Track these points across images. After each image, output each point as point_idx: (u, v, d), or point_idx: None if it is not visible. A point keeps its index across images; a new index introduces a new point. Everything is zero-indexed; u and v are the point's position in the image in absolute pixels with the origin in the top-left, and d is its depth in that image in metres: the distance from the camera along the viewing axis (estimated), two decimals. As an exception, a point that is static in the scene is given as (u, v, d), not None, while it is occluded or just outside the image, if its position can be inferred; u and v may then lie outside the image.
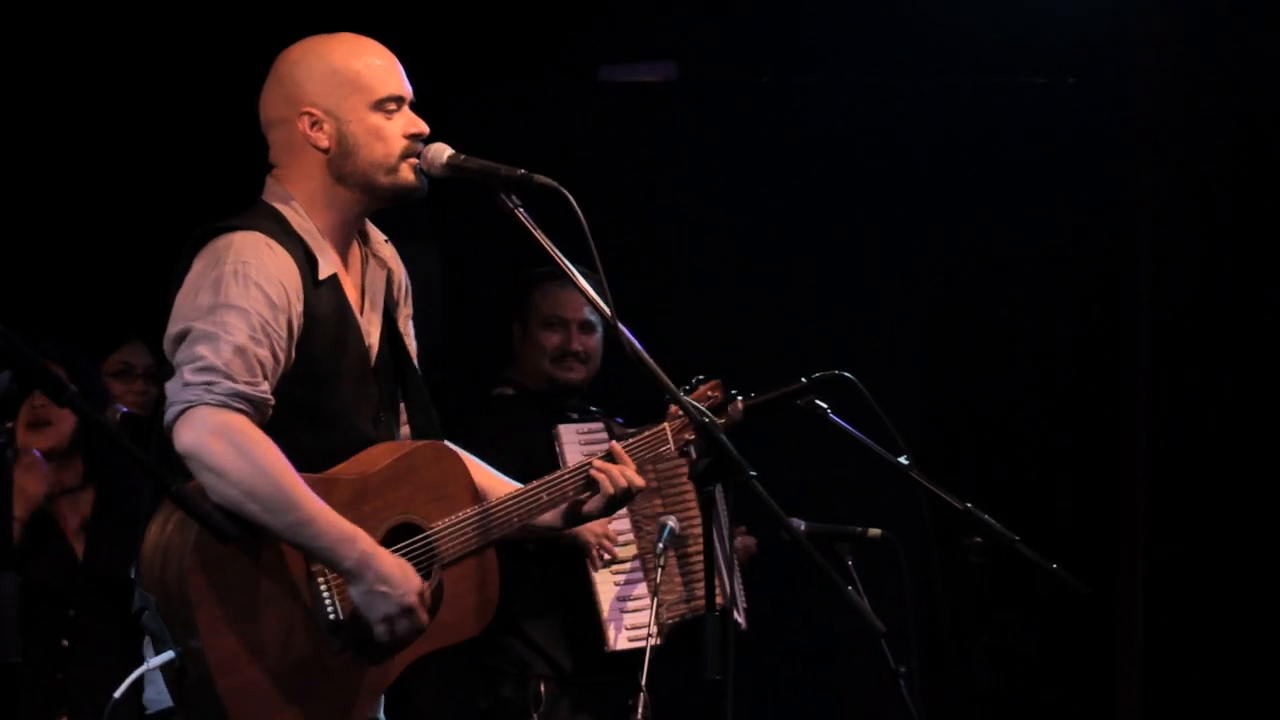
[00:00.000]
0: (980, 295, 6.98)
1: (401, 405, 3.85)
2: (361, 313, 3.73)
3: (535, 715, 5.19)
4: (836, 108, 6.93)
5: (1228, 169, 6.63)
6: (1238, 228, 6.63)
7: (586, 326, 5.42)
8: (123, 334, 5.82)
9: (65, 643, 5.36)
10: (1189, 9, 6.58)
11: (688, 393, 4.27)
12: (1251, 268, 6.60)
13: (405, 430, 3.85)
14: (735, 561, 5.40)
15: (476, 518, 3.73)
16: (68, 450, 5.38)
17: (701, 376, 4.29)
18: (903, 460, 4.54)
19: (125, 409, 5.53)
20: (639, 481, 3.89)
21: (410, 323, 3.93)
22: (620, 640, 5.14)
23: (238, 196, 3.76)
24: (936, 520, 4.58)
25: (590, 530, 5.09)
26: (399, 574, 3.53)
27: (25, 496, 5.30)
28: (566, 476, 3.87)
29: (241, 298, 3.49)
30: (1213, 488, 6.60)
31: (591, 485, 3.88)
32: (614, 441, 3.95)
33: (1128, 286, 6.84)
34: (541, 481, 3.85)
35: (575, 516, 3.93)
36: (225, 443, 3.41)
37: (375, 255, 3.81)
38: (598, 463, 3.88)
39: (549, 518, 3.91)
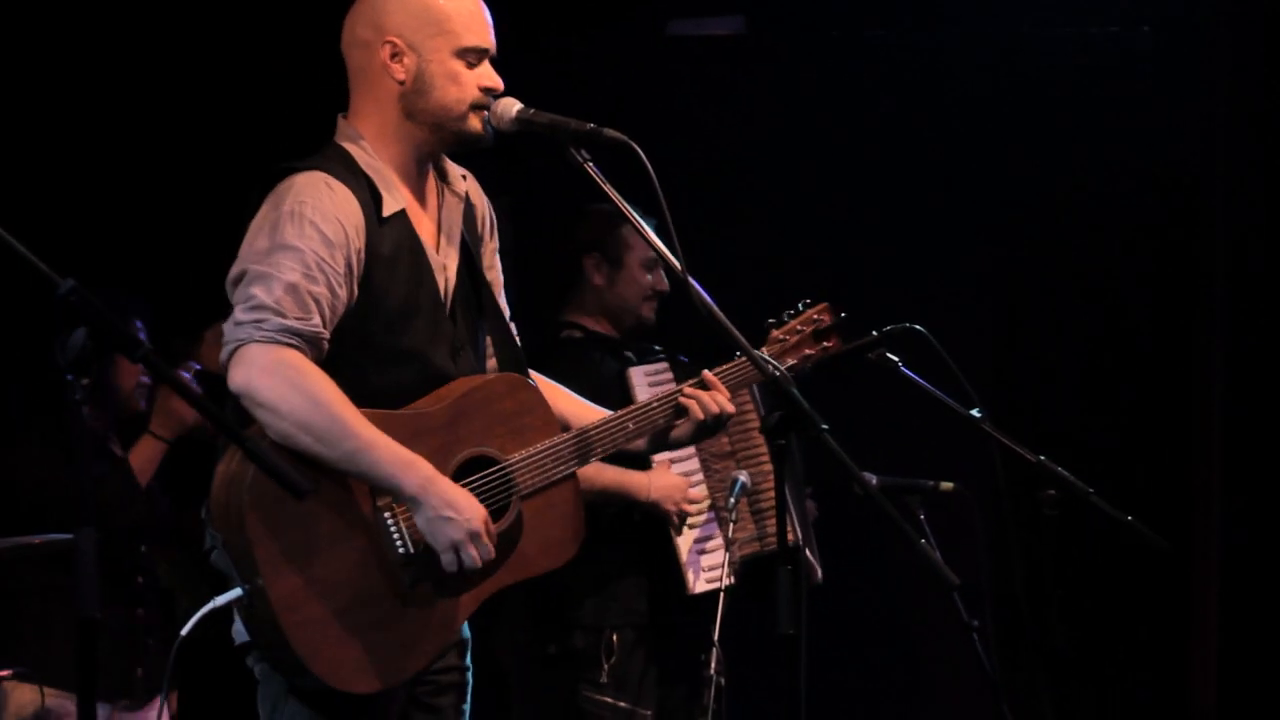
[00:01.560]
0: (1052, 249, 6.94)
1: (488, 340, 3.85)
2: (437, 249, 3.74)
3: (607, 665, 5.21)
4: (905, 62, 6.90)
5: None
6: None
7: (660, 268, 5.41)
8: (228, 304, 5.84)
9: (140, 580, 5.44)
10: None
11: (793, 315, 4.11)
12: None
13: (492, 364, 3.85)
14: (809, 520, 5.40)
15: (555, 448, 3.71)
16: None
17: (808, 300, 4.14)
18: (975, 413, 4.51)
19: (199, 365, 5.57)
20: (730, 408, 3.83)
21: (497, 256, 3.93)
22: (700, 583, 5.16)
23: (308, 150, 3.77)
24: (1009, 473, 4.55)
25: (670, 499, 5.10)
26: (463, 500, 3.53)
27: (178, 421, 5.39)
28: (655, 405, 3.82)
29: (296, 237, 3.51)
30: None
31: (681, 412, 3.82)
32: (706, 371, 3.86)
33: (1203, 239, 6.79)
34: (627, 411, 3.81)
35: (664, 442, 3.89)
36: (275, 377, 3.43)
37: (452, 190, 3.82)
38: (689, 389, 3.82)
39: (633, 445, 3.86)
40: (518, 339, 3.94)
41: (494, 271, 3.91)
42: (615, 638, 5.23)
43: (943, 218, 6.89)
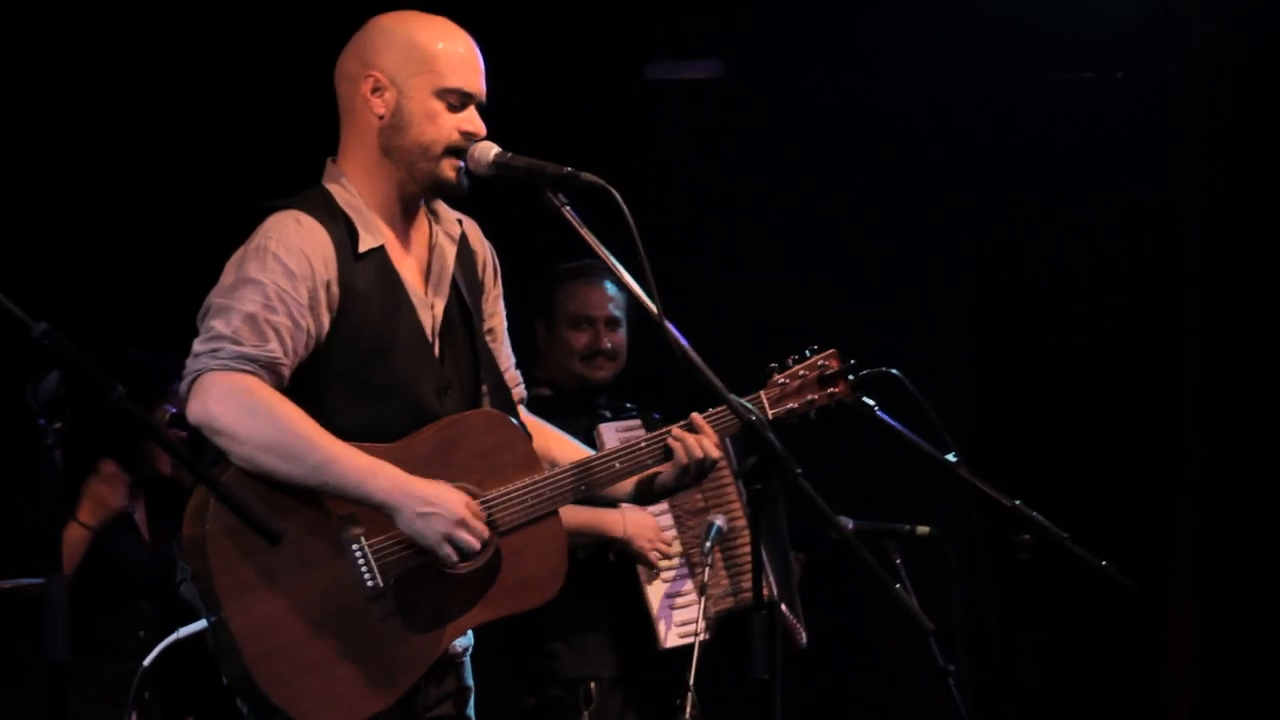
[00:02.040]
0: (1028, 291, 6.96)
1: (482, 384, 3.83)
2: (425, 289, 3.73)
3: (586, 713, 5.19)
4: (882, 105, 6.92)
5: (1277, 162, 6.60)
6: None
7: (612, 323, 5.40)
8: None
9: (141, 634, 5.43)
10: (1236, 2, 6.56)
11: (798, 361, 4.08)
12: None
13: (488, 405, 3.82)
14: (793, 578, 5.36)
15: (534, 485, 3.68)
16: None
17: (815, 346, 4.10)
18: (951, 457, 4.51)
19: (174, 409, 5.56)
20: (715, 454, 3.76)
21: (500, 302, 3.92)
22: (671, 637, 5.14)
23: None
24: (984, 518, 4.55)
25: (643, 536, 5.08)
26: (437, 491, 3.52)
27: (104, 507, 5.35)
28: (644, 446, 3.78)
29: (258, 270, 3.53)
30: (1264, 485, 6.56)
31: (668, 455, 3.77)
32: (695, 414, 3.80)
33: (1177, 280, 6.81)
34: (614, 450, 3.78)
35: (648, 490, 3.85)
36: (231, 403, 3.43)
37: (446, 233, 3.80)
38: (676, 430, 3.78)
39: (619, 490, 3.83)
40: (520, 385, 3.94)
41: (496, 318, 3.91)
42: (593, 687, 5.22)
43: (919, 260, 6.91)
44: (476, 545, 3.52)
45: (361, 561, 3.51)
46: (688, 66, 7.13)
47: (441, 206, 3.82)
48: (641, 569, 5.15)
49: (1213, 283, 6.68)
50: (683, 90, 7.11)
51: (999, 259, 6.97)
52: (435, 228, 3.80)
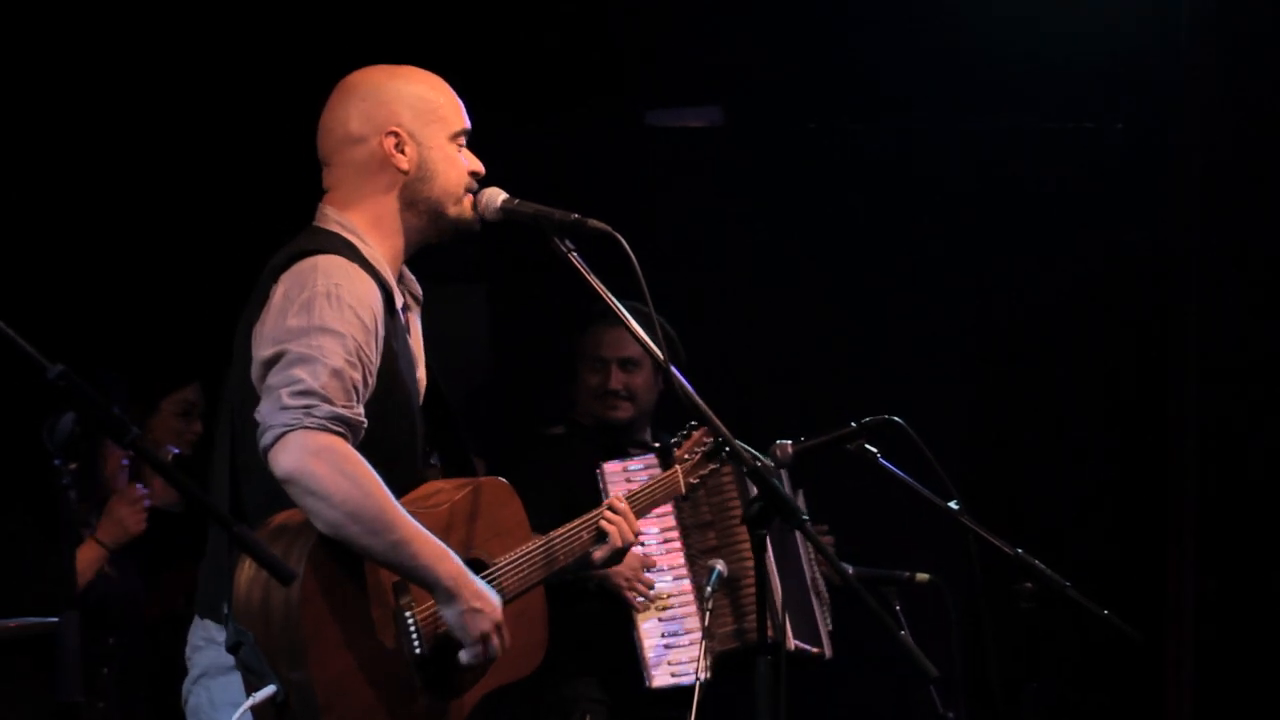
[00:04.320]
0: (1027, 339, 6.97)
1: (444, 449, 3.86)
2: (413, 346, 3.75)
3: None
4: (882, 153, 6.94)
5: (1276, 210, 6.64)
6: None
7: (628, 364, 5.41)
8: (185, 374, 5.84)
9: (105, 670, 5.40)
10: (1236, 52, 6.59)
11: (685, 438, 4.40)
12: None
13: (436, 468, 3.84)
14: (821, 591, 5.37)
15: (531, 554, 3.74)
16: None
17: (694, 423, 4.34)
18: (953, 505, 4.52)
19: (176, 450, 5.56)
20: (631, 537, 3.97)
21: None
22: (661, 677, 5.13)
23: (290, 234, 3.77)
24: (985, 565, 4.56)
25: (620, 574, 5.10)
26: (487, 591, 3.54)
27: (123, 530, 5.33)
28: (593, 518, 3.93)
29: (336, 320, 3.46)
30: (1262, 534, 6.57)
31: (602, 536, 3.94)
32: (615, 495, 4.03)
33: (1177, 327, 6.82)
34: (579, 521, 3.92)
35: (588, 563, 3.97)
36: (327, 465, 3.37)
37: (413, 295, 3.81)
38: (608, 514, 3.94)
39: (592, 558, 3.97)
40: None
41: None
42: (588, 718, 5.22)
43: (920, 307, 6.92)
44: (500, 653, 3.56)
45: (413, 628, 3.51)
46: (688, 113, 7.16)
47: (405, 269, 3.79)
48: (636, 611, 5.16)
49: (1212, 333, 6.70)
50: (683, 137, 7.13)
51: (997, 305, 6.99)
52: (403, 287, 3.78)
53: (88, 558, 5.27)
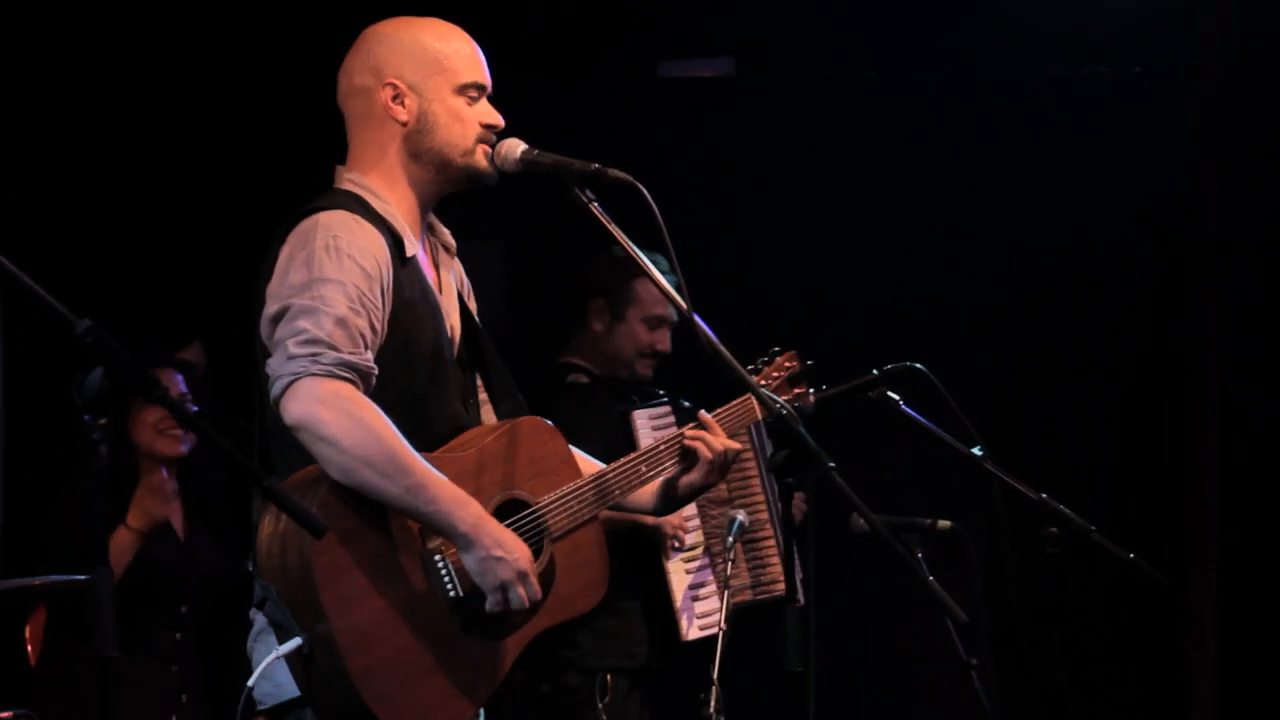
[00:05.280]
0: (1047, 288, 6.96)
1: (482, 390, 3.85)
2: (440, 296, 3.75)
3: (601, 705, 5.19)
4: (895, 102, 6.92)
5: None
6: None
7: (673, 327, 5.39)
8: (184, 335, 5.86)
9: (178, 636, 5.46)
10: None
11: (766, 363, 4.26)
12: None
13: (489, 414, 3.84)
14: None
15: (581, 490, 3.72)
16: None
17: (777, 349, 4.25)
18: (977, 451, 4.51)
19: (196, 408, 5.57)
20: (735, 445, 3.84)
21: (477, 318, 3.93)
22: (693, 630, 5.14)
23: (305, 194, 3.77)
24: (1007, 511, 4.55)
25: (670, 523, 5.08)
26: (510, 540, 3.53)
27: (149, 515, 5.35)
28: (663, 448, 3.84)
29: (335, 270, 3.49)
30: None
31: (688, 456, 3.83)
32: (703, 412, 3.89)
33: (1197, 276, 6.81)
34: (637, 455, 3.83)
35: (673, 493, 3.88)
36: (336, 411, 3.40)
37: (444, 246, 3.84)
38: (690, 431, 3.84)
39: (645, 500, 3.89)
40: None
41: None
42: (610, 678, 5.21)
43: (932, 258, 6.91)
44: (526, 603, 3.54)
45: (444, 571, 3.51)
46: (700, 65, 7.13)
47: (436, 221, 3.83)
48: (669, 561, 5.15)
49: (1232, 281, 6.69)
50: (695, 88, 7.11)
51: (1012, 256, 6.97)
52: (433, 239, 3.82)
53: (120, 543, 5.27)
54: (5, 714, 4.44)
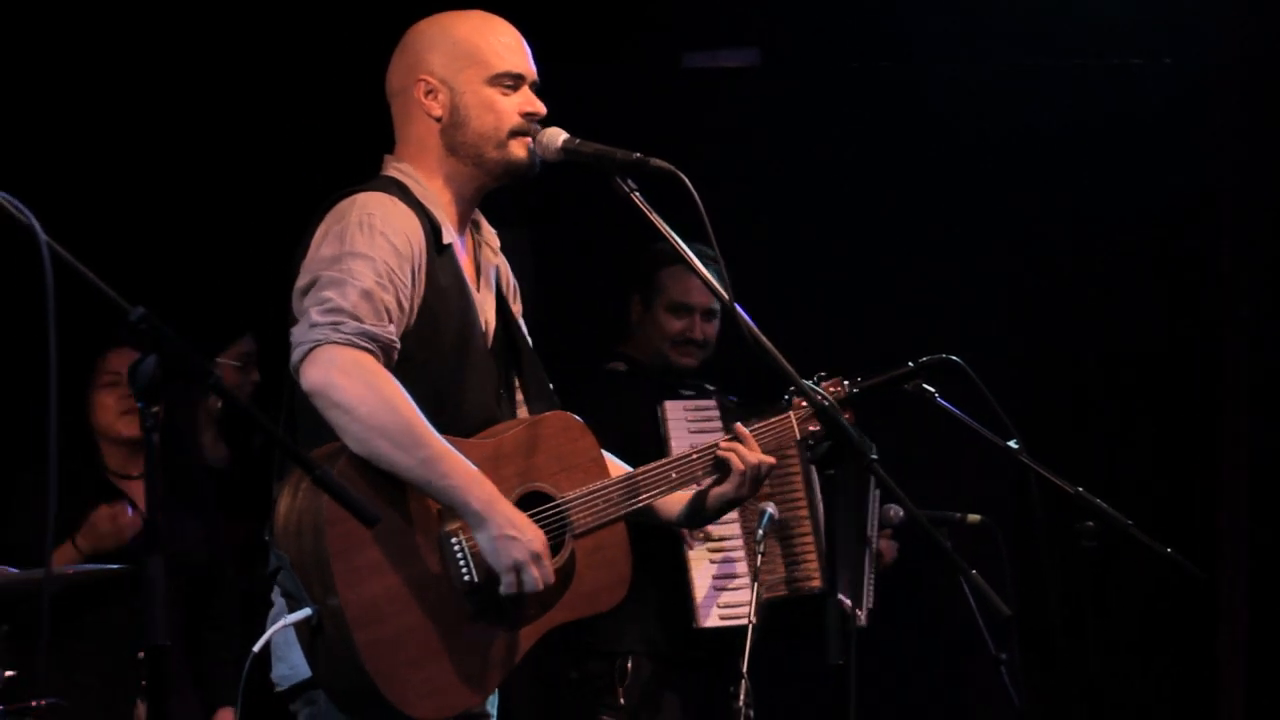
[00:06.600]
0: (1071, 279, 6.94)
1: (518, 388, 3.85)
2: (478, 290, 3.75)
3: (621, 690, 5.19)
4: (922, 92, 6.90)
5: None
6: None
7: (709, 314, 5.41)
8: (239, 327, 5.82)
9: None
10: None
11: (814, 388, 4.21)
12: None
13: (524, 413, 3.84)
14: (872, 559, 5.34)
15: (608, 490, 3.71)
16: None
17: (824, 373, 4.16)
18: (1012, 444, 4.50)
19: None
20: (770, 459, 3.81)
21: (521, 319, 3.93)
22: (711, 618, 5.13)
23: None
24: (1044, 505, 4.53)
25: None
26: (524, 522, 3.52)
27: (99, 541, 5.22)
28: (695, 456, 3.80)
29: (367, 245, 3.51)
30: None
31: (721, 466, 3.80)
32: (739, 425, 3.86)
33: (1227, 266, 6.81)
34: (668, 460, 3.80)
35: (700, 509, 3.86)
36: (353, 379, 3.41)
37: (486, 242, 3.85)
38: (725, 443, 3.81)
39: (672, 511, 3.86)
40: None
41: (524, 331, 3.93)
42: (630, 664, 5.21)
43: (959, 249, 6.89)
44: (539, 585, 3.51)
45: (460, 553, 3.51)
46: (725, 55, 7.12)
47: (482, 219, 3.85)
48: (689, 549, 5.14)
49: (1260, 270, 6.69)
50: (720, 79, 7.09)
51: (1042, 247, 6.95)
52: (477, 237, 3.84)
53: (63, 559, 5.16)
54: (40, 702, 4.43)
